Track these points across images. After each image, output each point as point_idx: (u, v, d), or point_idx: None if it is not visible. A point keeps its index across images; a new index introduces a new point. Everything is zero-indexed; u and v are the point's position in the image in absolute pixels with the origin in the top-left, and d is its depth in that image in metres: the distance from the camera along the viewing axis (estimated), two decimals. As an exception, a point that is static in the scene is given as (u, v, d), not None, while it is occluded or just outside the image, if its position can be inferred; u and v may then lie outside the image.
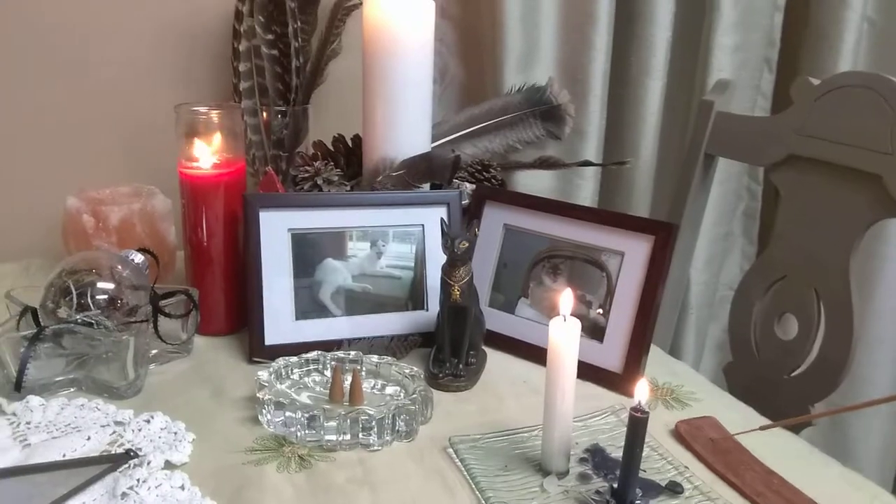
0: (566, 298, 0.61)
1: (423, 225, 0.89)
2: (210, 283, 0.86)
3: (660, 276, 0.80)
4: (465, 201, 0.94)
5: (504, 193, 0.93)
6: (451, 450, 0.67)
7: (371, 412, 0.66)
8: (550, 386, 0.61)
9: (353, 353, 0.78)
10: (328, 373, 0.77)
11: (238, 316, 0.89)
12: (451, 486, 0.63)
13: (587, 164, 1.14)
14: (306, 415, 0.67)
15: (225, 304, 0.87)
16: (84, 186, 1.01)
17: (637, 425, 0.57)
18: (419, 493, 0.61)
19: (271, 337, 0.82)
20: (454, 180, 0.96)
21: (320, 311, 0.85)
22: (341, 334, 0.84)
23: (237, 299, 0.89)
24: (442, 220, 0.79)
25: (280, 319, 0.83)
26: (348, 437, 0.67)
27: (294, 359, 0.76)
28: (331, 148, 1.07)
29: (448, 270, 0.78)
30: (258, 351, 0.82)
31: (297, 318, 0.84)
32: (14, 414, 0.68)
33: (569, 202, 1.00)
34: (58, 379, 0.74)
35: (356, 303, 0.87)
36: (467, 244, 0.76)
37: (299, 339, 0.83)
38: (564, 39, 1.22)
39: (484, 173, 1.02)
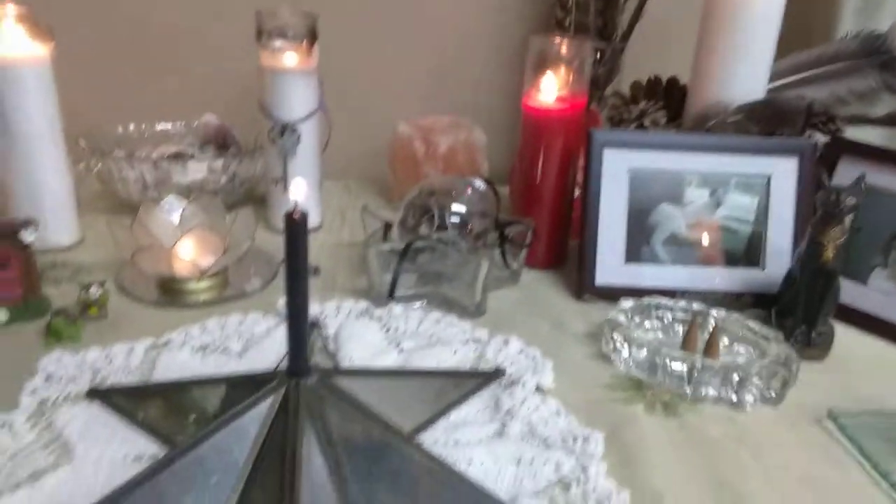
0: None
1: (769, 176, 0.82)
2: (537, 217, 0.86)
3: None
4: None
5: (868, 148, 0.82)
6: (829, 423, 0.62)
7: (752, 369, 0.63)
8: None
9: (696, 304, 0.74)
10: (667, 320, 0.74)
11: (558, 253, 0.89)
12: (840, 462, 0.57)
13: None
14: (675, 363, 0.65)
15: (547, 240, 0.88)
16: (405, 115, 1.06)
17: None
18: (806, 463, 0.57)
19: (601, 277, 0.81)
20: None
21: (650, 256, 0.82)
22: (669, 283, 0.81)
23: (560, 236, 0.89)
24: (822, 172, 0.71)
25: (611, 260, 0.81)
26: (715, 391, 0.64)
27: (632, 302, 0.74)
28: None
29: (821, 228, 0.70)
30: (588, 289, 0.81)
31: (626, 261, 0.82)
32: (380, 318, 0.74)
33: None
34: (410, 291, 0.78)
35: (687, 252, 0.82)
36: (854, 201, 0.68)
37: (627, 282, 0.81)
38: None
39: (828, 125, 0.92)
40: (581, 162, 0.86)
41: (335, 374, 0.58)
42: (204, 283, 0.77)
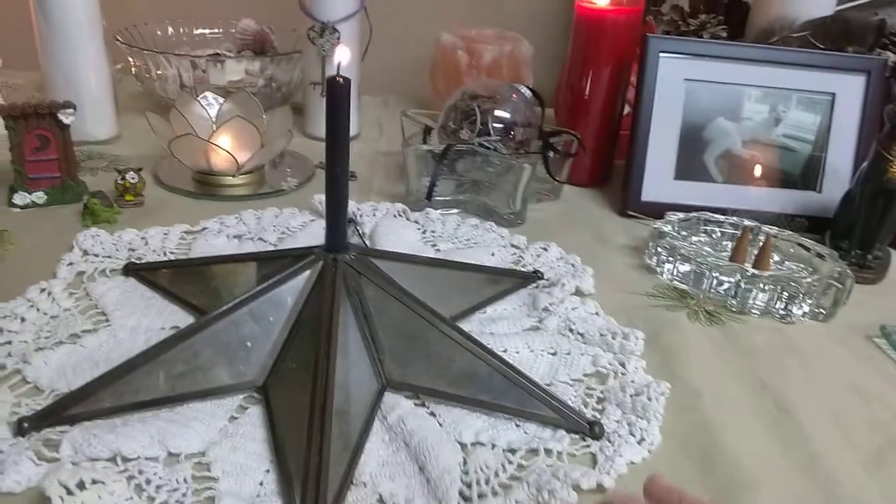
0: None
1: (833, 94, 0.77)
2: (583, 132, 0.82)
3: None
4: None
5: (944, 67, 0.77)
6: (881, 340, 0.59)
7: (803, 282, 0.60)
8: None
9: (747, 220, 0.71)
10: (716, 236, 0.71)
11: (602, 171, 0.86)
12: (890, 375, 0.55)
13: None
14: (722, 274, 0.62)
15: (593, 156, 0.84)
16: (450, 27, 1.02)
17: None
18: (854, 374, 0.55)
19: (648, 192, 0.78)
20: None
21: (702, 173, 0.79)
22: (719, 202, 0.77)
23: (606, 153, 0.86)
24: (893, 85, 0.67)
25: (659, 176, 0.78)
26: (763, 304, 0.61)
27: (680, 215, 0.71)
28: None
29: (888, 142, 0.66)
30: (633, 205, 0.78)
31: (676, 178, 0.79)
32: (416, 222, 0.72)
33: None
34: (447, 198, 0.76)
35: (741, 171, 0.79)
36: (927, 113, 0.64)
37: (675, 199, 0.77)
38: None
39: (900, 46, 0.86)
40: (633, 78, 0.82)
41: (373, 254, 0.57)
42: (240, 179, 0.76)
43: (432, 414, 0.46)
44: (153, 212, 0.70)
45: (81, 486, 0.37)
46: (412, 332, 0.48)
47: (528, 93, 0.80)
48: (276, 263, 0.51)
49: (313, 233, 0.67)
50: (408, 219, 0.72)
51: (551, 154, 0.77)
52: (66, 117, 0.67)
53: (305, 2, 0.86)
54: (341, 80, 0.44)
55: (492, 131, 0.75)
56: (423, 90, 1.08)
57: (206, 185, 0.76)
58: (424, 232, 0.70)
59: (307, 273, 0.48)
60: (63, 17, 0.78)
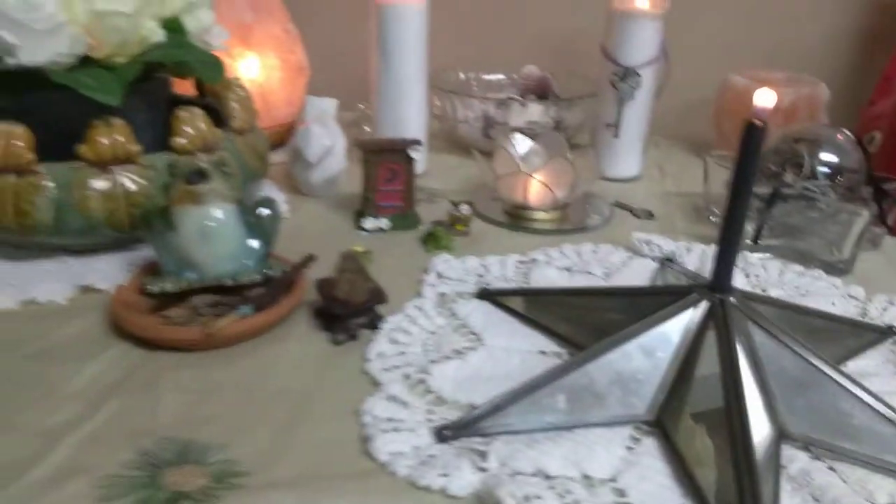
0: None
1: None
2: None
3: None
4: None
5: None
6: None
7: None
8: None
9: None
10: None
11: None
12: None
13: None
14: None
15: (917, 204, 0.78)
16: (730, 68, 1.00)
17: None
18: None
19: None
20: None
21: None
22: None
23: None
24: None
25: None
26: None
27: None
28: None
29: None
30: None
31: None
32: (736, 265, 0.71)
33: None
34: (759, 243, 0.74)
35: None
36: None
37: None
38: None
39: None
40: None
41: (754, 297, 0.57)
42: (549, 214, 0.79)
43: (832, 469, 0.44)
44: (477, 241, 0.75)
45: (527, 499, 0.40)
46: (805, 382, 0.46)
47: (850, 135, 0.76)
48: (647, 300, 0.53)
49: (636, 270, 0.69)
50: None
51: (884, 201, 0.72)
52: (414, 153, 0.74)
53: (608, 47, 0.89)
54: (759, 123, 0.44)
55: (819, 176, 0.72)
56: (693, 131, 1.07)
57: (517, 219, 0.80)
58: (748, 276, 0.69)
59: (690, 311, 0.49)
60: (400, 66, 0.87)
